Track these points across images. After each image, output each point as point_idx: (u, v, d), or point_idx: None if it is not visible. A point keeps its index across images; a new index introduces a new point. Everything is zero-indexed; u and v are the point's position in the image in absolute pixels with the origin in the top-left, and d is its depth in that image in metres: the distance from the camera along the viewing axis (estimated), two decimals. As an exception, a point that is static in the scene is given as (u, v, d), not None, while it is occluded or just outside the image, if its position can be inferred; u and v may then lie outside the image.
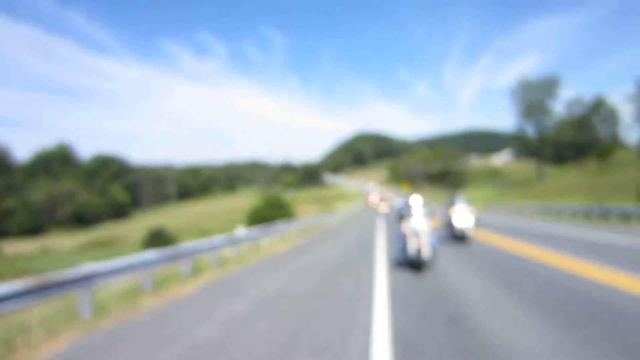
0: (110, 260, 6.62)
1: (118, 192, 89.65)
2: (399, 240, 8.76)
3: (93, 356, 4.18)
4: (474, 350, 3.71)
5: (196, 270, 9.32)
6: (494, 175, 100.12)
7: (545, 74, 57.09)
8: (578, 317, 4.50)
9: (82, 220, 73.39)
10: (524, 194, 47.10)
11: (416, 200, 9.03)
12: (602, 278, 6.38)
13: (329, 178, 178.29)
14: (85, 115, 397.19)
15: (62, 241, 59.19)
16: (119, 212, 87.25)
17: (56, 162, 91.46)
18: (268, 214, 31.73)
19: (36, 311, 6.34)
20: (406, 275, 7.60)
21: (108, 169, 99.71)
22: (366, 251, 11.49)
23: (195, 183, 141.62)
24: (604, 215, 19.59)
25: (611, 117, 62.81)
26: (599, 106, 62.42)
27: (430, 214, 8.87)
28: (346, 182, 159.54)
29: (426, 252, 7.87)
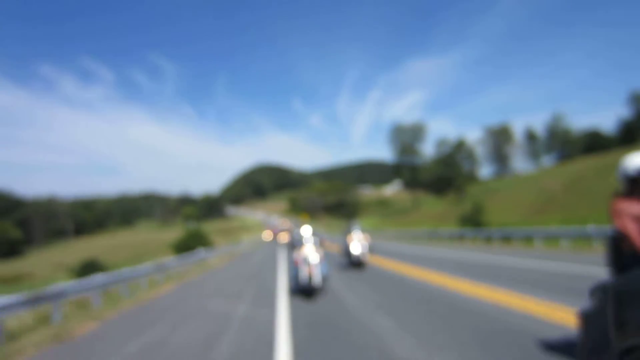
0: (77, 281, 10.53)
1: (8, 229, 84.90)
2: (291, 269, 9.22)
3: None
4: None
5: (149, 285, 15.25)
6: (383, 205, 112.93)
7: (415, 121, 70.44)
8: (425, 300, 7.02)
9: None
10: (400, 222, 57.37)
11: (306, 230, 9.72)
12: (439, 282, 8.98)
13: (230, 210, 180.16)
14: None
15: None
16: (11, 249, 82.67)
17: None
18: (191, 243, 36.85)
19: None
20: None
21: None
22: (270, 266, 16.63)
23: (89, 217, 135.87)
24: (440, 237, 28.65)
25: (470, 155, 77.54)
26: (460, 146, 76.58)
27: (320, 242, 9.46)
28: (247, 214, 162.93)
29: (317, 280, 8.26)
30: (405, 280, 9.94)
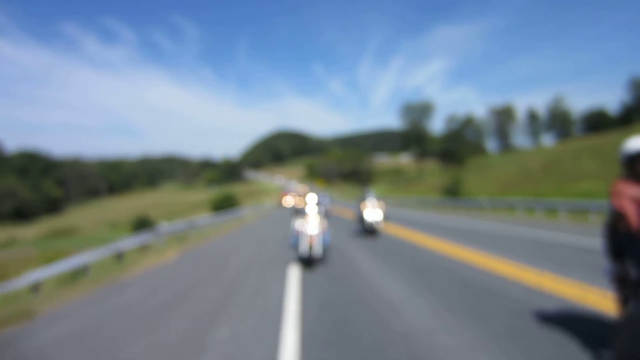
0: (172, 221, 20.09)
1: (51, 188, 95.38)
2: (292, 237, 9.11)
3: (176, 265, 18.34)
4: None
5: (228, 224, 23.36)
6: (396, 174, 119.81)
7: (423, 100, 77.10)
8: (421, 266, 8.00)
9: (22, 215, 79.43)
10: (405, 190, 64.85)
11: (311, 199, 9.48)
12: (430, 245, 10.40)
13: (249, 174, 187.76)
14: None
15: (24, 232, 66.30)
16: (53, 206, 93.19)
17: None
18: (225, 204, 45.25)
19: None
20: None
21: (35, 164, 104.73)
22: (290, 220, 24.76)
23: (117, 178, 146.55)
24: (427, 204, 36.19)
25: (477, 130, 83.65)
26: (468, 122, 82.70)
27: (325, 212, 9.51)
28: (266, 179, 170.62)
29: (317, 250, 8.28)
30: (400, 241, 11.48)
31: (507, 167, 51.30)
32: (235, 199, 47.94)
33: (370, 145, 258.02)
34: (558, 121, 70.30)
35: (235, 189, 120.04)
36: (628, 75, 79.91)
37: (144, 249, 15.00)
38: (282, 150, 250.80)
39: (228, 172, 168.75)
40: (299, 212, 9.29)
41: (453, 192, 35.28)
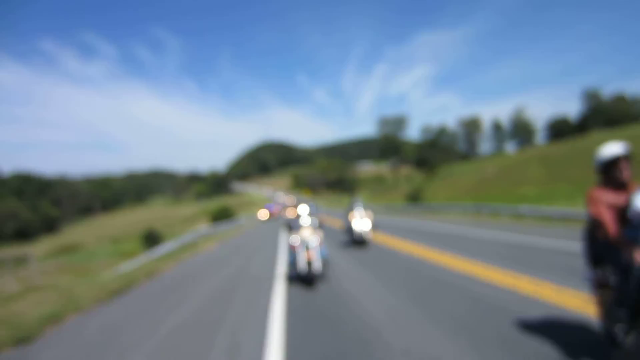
0: (186, 233, 27.70)
1: (48, 208, 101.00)
2: (288, 254, 8.74)
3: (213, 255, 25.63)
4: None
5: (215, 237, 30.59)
6: (378, 181, 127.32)
7: (397, 114, 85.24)
8: (408, 270, 9.24)
9: (23, 234, 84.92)
10: (383, 197, 72.35)
11: (304, 210, 9.38)
12: (410, 250, 12.55)
13: (237, 186, 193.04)
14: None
15: (31, 250, 71.79)
16: (51, 226, 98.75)
17: None
18: (222, 215, 52.14)
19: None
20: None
21: (29, 185, 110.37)
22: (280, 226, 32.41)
23: (107, 195, 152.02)
24: (395, 210, 43.55)
25: (452, 139, 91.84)
26: (442, 131, 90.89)
27: (319, 223, 9.16)
28: (254, 190, 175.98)
29: (317, 265, 7.85)
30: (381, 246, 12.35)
31: (469, 175, 58.98)
32: (231, 210, 54.76)
33: (355, 153, 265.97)
34: (520, 130, 78.80)
35: (226, 201, 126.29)
36: (583, 86, 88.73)
37: (194, 243, 22.35)
38: (268, 161, 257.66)
39: (216, 184, 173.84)
40: (292, 225, 9.04)
41: (415, 199, 42.80)
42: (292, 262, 8.30)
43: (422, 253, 10.55)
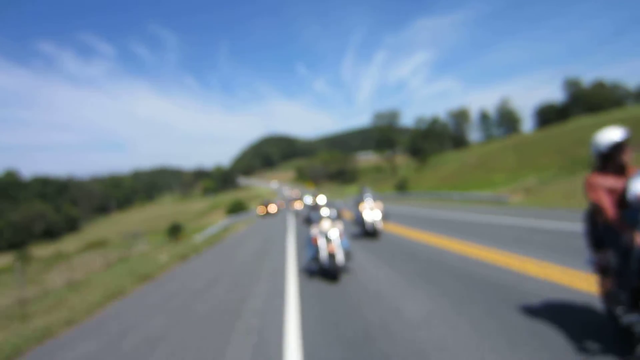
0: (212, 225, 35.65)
1: (69, 209, 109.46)
2: (309, 248, 8.51)
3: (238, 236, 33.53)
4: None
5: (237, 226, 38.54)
6: (378, 171, 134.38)
7: (391, 108, 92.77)
8: (412, 255, 9.93)
9: (49, 234, 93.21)
10: (374, 186, 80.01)
11: (322, 200, 9.78)
12: (410, 235, 12.99)
13: (242, 181, 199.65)
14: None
15: (62, 247, 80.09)
16: (72, 225, 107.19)
17: (9, 185, 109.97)
18: (236, 208, 60.15)
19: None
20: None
21: (48, 188, 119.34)
22: (290, 214, 39.71)
23: (119, 194, 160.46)
24: (384, 198, 51.13)
25: (443, 130, 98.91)
26: (435, 122, 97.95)
27: (337, 214, 9.04)
28: (259, 184, 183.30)
29: (340, 257, 7.65)
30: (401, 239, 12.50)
31: (453, 163, 66.28)
32: (244, 203, 62.68)
33: (356, 143, 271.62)
34: (505, 119, 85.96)
35: (236, 195, 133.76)
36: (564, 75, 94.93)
37: (228, 228, 30.36)
38: (271, 155, 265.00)
39: (222, 180, 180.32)
40: (312, 218, 8.85)
41: (401, 188, 50.46)
42: (314, 256, 8.13)
43: (405, 232, 13.55)
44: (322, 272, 8.16)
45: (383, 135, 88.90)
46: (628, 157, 3.52)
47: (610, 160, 3.57)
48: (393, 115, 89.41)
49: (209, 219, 78.89)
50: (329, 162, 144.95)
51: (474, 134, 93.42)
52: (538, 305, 4.78)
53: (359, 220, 13.34)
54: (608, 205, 3.42)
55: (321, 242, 7.90)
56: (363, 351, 4.17)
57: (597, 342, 3.57)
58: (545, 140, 51.72)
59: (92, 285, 12.25)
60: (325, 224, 8.15)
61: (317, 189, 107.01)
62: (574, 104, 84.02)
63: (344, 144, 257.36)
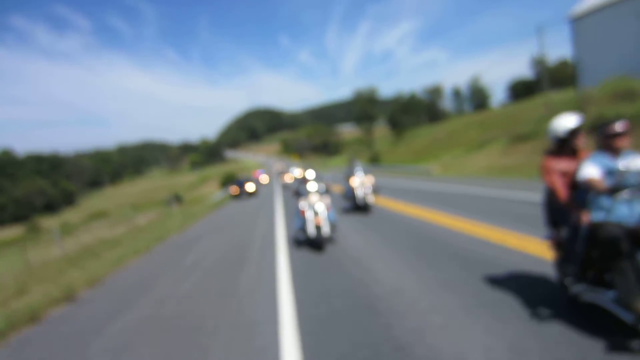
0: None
1: (66, 184, 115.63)
2: (297, 219, 9.14)
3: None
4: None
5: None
6: (360, 143, 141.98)
7: (369, 85, 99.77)
8: (402, 228, 12.32)
9: (49, 208, 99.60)
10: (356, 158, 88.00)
11: (311, 175, 9.77)
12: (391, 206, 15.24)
13: (229, 154, 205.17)
14: None
15: (68, 218, 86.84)
16: (69, 199, 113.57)
17: (6, 163, 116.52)
18: (228, 179, 67.53)
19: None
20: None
21: (43, 164, 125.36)
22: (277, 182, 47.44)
23: (109, 169, 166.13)
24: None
25: (417, 105, 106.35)
26: (412, 98, 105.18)
27: (325, 188, 9.55)
28: (245, 157, 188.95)
29: (326, 229, 8.28)
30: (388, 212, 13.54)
31: (425, 137, 73.98)
32: (236, 174, 70.00)
33: (342, 114, 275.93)
34: (475, 95, 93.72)
35: (226, 168, 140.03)
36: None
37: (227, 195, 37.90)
38: (257, 128, 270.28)
39: (209, 153, 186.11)
40: (300, 192, 9.24)
41: (374, 160, 58.21)
42: (302, 227, 8.72)
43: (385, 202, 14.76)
44: (308, 242, 8.90)
45: (362, 111, 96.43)
46: (581, 142, 3.85)
47: (566, 145, 3.89)
48: (372, 92, 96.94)
49: (203, 190, 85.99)
50: (313, 135, 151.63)
51: (449, 109, 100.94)
52: (431, 237, 8.24)
53: (349, 194, 13.48)
54: (560, 187, 3.82)
55: (309, 215, 8.50)
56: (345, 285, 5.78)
57: (548, 309, 4.03)
58: (501, 117, 58.93)
59: (147, 231, 19.52)
60: (313, 198, 8.78)
61: (303, 161, 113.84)
62: (540, 81, 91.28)
63: (329, 116, 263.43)
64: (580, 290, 3.71)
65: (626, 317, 3.16)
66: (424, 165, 37.57)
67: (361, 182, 13.05)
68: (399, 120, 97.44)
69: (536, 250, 6.09)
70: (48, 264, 13.49)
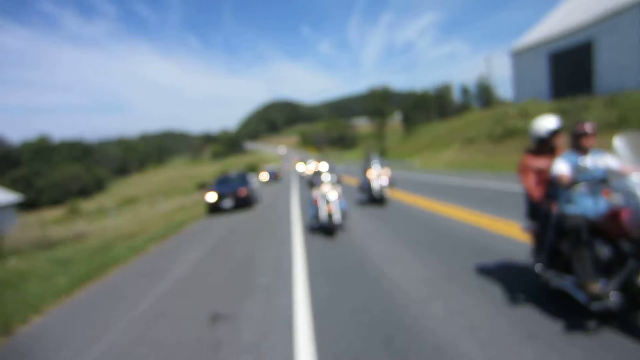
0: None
1: (97, 170, 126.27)
2: (311, 208, 10.11)
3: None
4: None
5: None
6: (374, 137, 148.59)
7: (383, 84, 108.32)
8: (413, 223, 10.55)
9: (83, 193, 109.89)
10: (358, 153, 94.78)
11: (324, 167, 10.81)
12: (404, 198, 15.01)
13: (248, 145, 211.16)
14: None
15: (104, 202, 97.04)
16: (100, 185, 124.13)
17: (43, 149, 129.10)
18: (250, 169, 76.13)
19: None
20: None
21: (75, 150, 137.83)
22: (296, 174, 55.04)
23: (134, 157, 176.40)
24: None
25: (428, 102, 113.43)
26: (425, 95, 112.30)
27: (337, 179, 10.40)
28: (265, 149, 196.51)
29: (337, 217, 9.07)
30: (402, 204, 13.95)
31: (430, 134, 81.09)
32: (258, 165, 78.65)
33: (360, 108, 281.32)
34: (482, 93, 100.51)
35: (247, 158, 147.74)
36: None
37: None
38: (276, 119, 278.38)
39: (229, 144, 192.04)
40: (314, 182, 10.03)
41: (381, 154, 66.20)
42: (315, 215, 9.62)
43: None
44: (321, 228, 9.80)
45: (375, 107, 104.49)
46: (560, 142, 4.22)
47: (546, 144, 4.26)
48: (385, 89, 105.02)
49: None
50: (331, 128, 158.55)
51: (458, 106, 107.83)
52: (404, 214, 12.98)
53: (366, 187, 13.79)
54: (532, 186, 4.28)
55: (321, 203, 9.29)
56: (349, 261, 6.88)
57: (522, 293, 4.46)
58: (494, 116, 65.96)
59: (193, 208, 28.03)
60: (326, 188, 9.49)
61: (320, 154, 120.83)
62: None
63: (347, 109, 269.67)
64: (550, 276, 4.10)
65: (582, 298, 3.52)
66: (409, 160, 45.83)
67: (378, 175, 13.41)
68: (411, 116, 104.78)
69: (506, 230, 7.46)
70: (146, 219, 22.11)
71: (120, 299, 6.69)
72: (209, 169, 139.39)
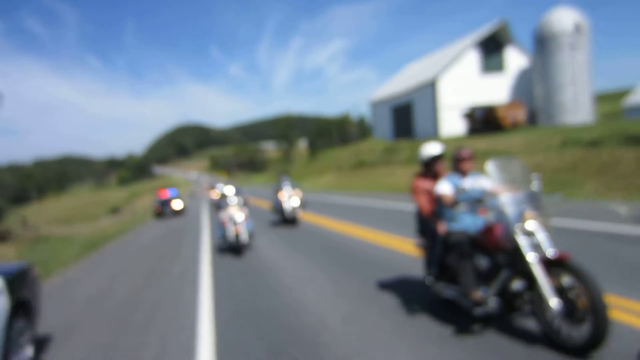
0: None
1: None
2: (218, 229, 10.62)
3: None
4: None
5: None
6: (286, 161, 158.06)
7: (288, 112, 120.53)
8: (315, 241, 10.56)
9: None
10: (273, 175, 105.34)
11: (230, 190, 11.08)
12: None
13: (158, 170, 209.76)
14: None
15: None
16: None
17: None
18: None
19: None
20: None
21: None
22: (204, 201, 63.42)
23: (31, 185, 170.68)
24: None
25: (329, 129, 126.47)
26: (326, 122, 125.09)
27: (244, 201, 10.87)
28: (174, 173, 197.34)
29: (244, 237, 9.65)
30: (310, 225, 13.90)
31: (327, 160, 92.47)
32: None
33: (271, 131, 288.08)
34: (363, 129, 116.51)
35: (151, 184, 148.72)
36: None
37: None
38: (186, 143, 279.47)
39: (137, 169, 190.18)
40: (221, 204, 10.69)
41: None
42: (222, 236, 10.18)
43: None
44: (229, 248, 10.31)
45: (281, 133, 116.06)
46: (441, 167, 4.70)
47: (429, 168, 4.74)
48: (290, 117, 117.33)
49: (139, 204, 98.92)
50: (240, 152, 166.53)
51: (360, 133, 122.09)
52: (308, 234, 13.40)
53: (278, 208, 14.30)
54: (424, 204, 4.68)
55: (229, 225, 9.89)
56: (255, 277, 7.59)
57: (417, 304, 4.91)
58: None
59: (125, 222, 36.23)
60: (232, 210, 10.12)
61: (230, 178, 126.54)
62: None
63: (258, 133, 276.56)
64: (440, 287, 4.49)
65: (466, 304, 3.93)
66: (301, 182, 56.95)
67: (289, 196, 14.05)
68: (314, 142, 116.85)
69: (402, 247, 8.36)
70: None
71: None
72: (117, 195, 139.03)
